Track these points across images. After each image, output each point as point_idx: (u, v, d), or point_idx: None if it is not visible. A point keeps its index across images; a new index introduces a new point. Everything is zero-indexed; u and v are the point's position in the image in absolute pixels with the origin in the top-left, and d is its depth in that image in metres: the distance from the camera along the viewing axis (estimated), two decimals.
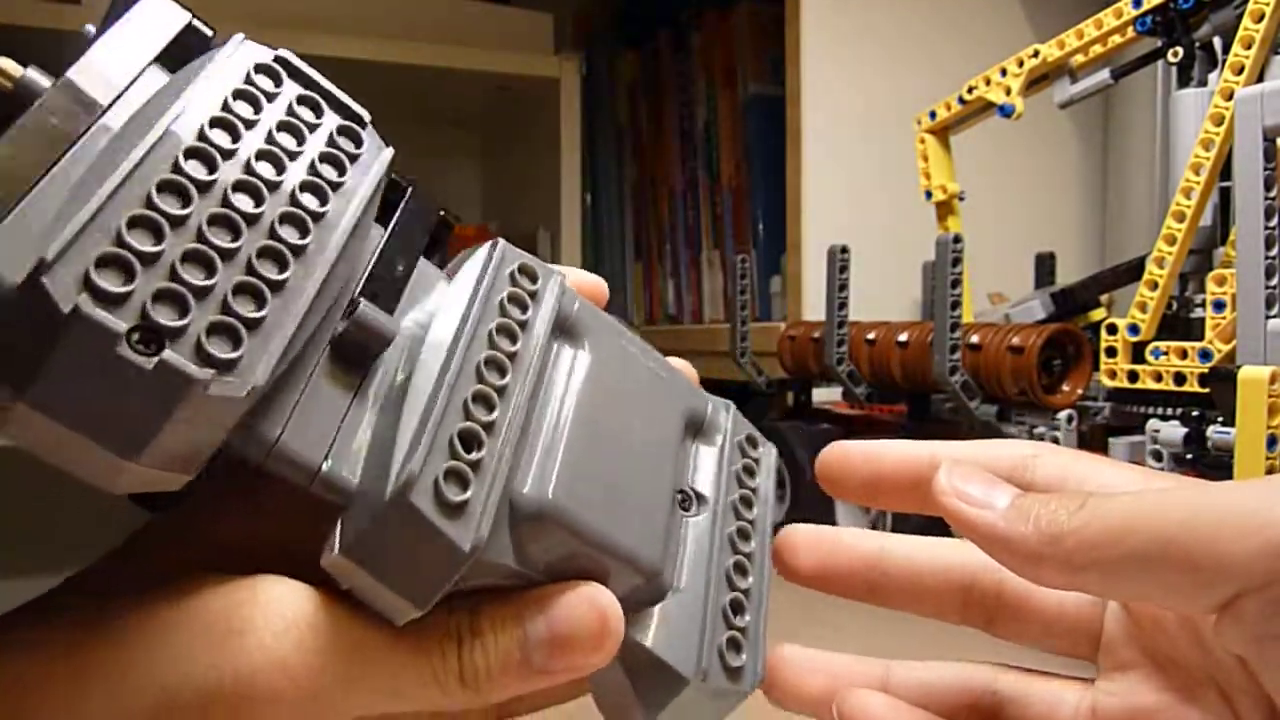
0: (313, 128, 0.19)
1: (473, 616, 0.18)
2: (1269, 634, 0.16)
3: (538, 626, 0.18)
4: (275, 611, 0.17)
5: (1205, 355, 0.54)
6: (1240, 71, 0.54)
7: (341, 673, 0.17)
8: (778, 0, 0.95)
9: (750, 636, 0.20)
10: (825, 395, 0.82)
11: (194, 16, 0.19)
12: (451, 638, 0.18)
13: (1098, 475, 0.20)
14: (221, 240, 0.15)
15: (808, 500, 0.73)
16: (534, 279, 0.20)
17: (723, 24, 1.12)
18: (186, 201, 0.15)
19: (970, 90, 0.73)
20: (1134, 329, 0.58)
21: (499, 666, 0.18)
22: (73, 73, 0.16)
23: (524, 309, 0.19)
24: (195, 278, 0.15)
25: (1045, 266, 0.85)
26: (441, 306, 0.19)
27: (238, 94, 0.18)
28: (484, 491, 0.16)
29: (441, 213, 0.21)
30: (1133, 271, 0.69)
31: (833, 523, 0.70)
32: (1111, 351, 0.59)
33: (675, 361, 0.23)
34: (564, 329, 0.20)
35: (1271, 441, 0.45)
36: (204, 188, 0.16)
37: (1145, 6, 0.62)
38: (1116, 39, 0.65)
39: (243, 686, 0.16)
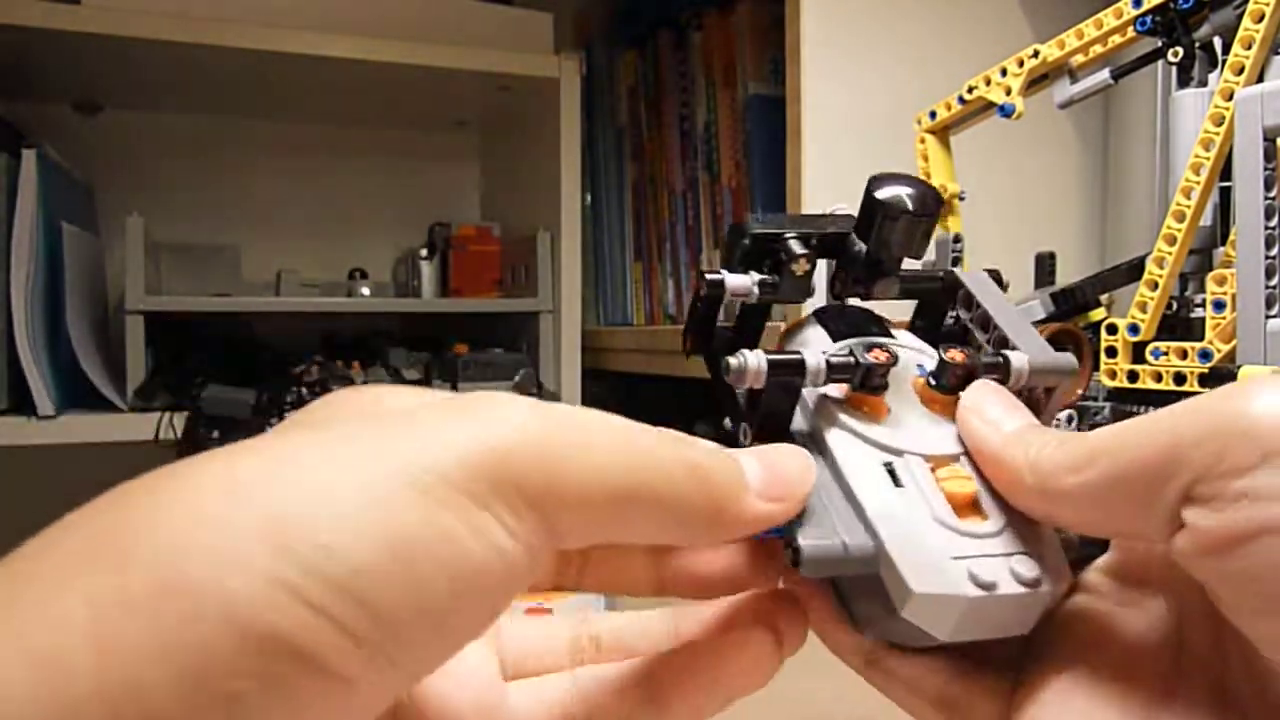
0: None
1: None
2: (1215, 530, 0.17)
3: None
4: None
5: (1205, 355, 0.54)
6: (1240, 71, 0.54)
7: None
8: (778, 0, 0.95)
9: None
10: None
11: None
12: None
13: None
14: None
15: None
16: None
17: (723, 24, 1.12)
18: None
19: (970, 90, 0.73)
20: (1134, 329, 0.58)
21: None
22: None
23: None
24: None
25: (1045, 266, 0.85)
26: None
27: None
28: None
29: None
30: (1133, 271, 0.69)
31: None
32: (1111, 351, 0.59)
33: None
34: None
35: None
36: None
37: (1145, 6, 0.62)
38: (1116, 39, 0.65)
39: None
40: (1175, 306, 0.62)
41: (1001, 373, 0.23)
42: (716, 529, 0.20)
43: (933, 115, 0.78)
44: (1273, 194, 0.48)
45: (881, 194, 0.24)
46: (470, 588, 0.16)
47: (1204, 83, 0.62)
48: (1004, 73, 0.70)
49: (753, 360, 0.23)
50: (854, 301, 0.27)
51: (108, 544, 0.14)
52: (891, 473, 0.22)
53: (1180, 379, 0.55)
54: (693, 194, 1.19)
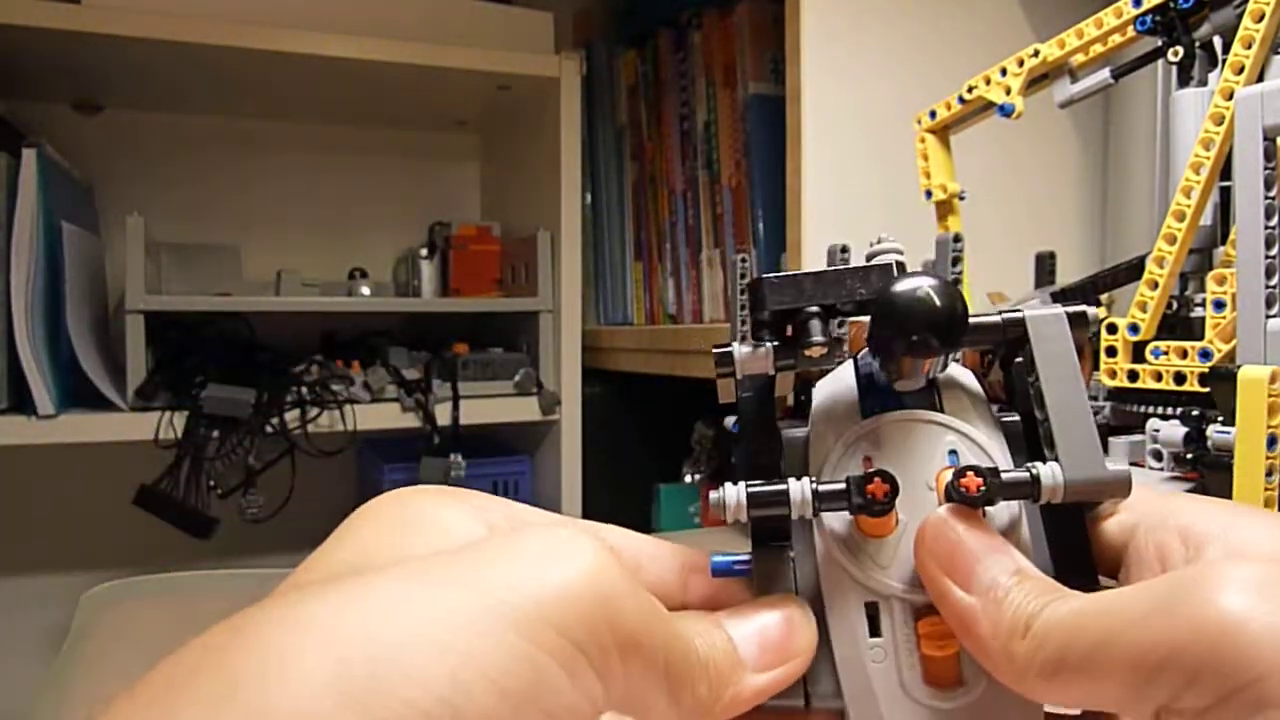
0: None
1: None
2: None
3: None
4: None
5: (1205, 355, 0.54)
6: (1240, 71, 0.54)
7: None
8: (778, 0, 0.95)
9: None
10: None
11: None
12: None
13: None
14: None
15: None
16: None
17: (723, 24, 1.12)
18: None
19: (970, 90, 0.73)
20: (1134, 328, 0.58)
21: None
22: None
23: None
24: None
25: (1045, 266, 0.85)
26: None
27: None
28: None
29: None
30: (1133, 271, 0.69)
31: None
32: (1111, 351, 0.59)
33: None
34: None
35: (1271, 441, 0.45)
36: None
37: (1145, 6, 0.62)
38: (1116, 38, 0.65)
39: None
40: (1175, 306, 0.62)
41: (1030, 494, 0.21)
42: (718, 710, 0.19)
43: (933, 115, 0.78)
44: (1273, 194, 0.48)
45: (891, 302, 0.21)
46: None
47: (1204, 82, 0.62)
48: (1004, 72, 0.70)
49: (731, 495, 0.21)
50: None
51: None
52: (873, 617, 0.21)
53: (1180, 378, 0.55)
54: (693, 194, 1.19)
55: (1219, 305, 0.54)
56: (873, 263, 0.23)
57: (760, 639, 0.20)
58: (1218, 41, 0.61)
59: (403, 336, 1.21)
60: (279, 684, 0.14)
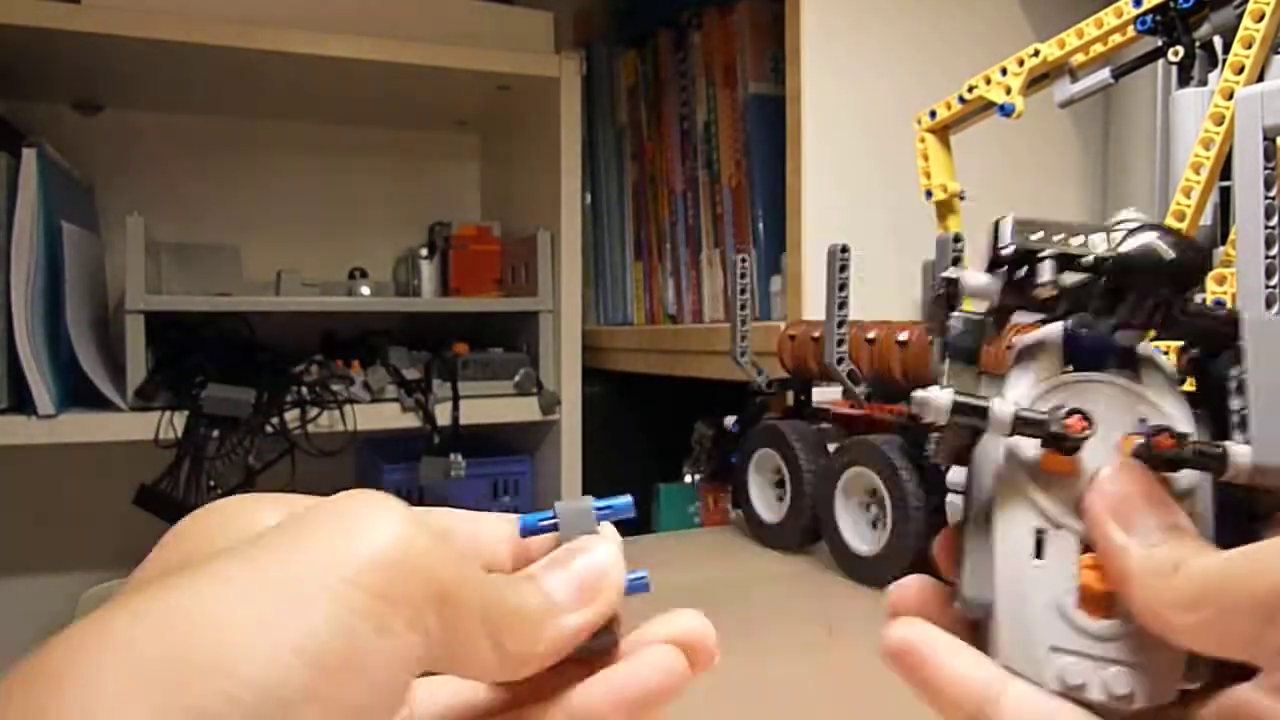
0: None
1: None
2: None
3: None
4: None
5: None
6: (1240, 71, 0.54)
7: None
8: (778, 0, 0.95)
9: None
10: (825, 395, 0.82)
11: None
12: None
13: None
14: None
15: (807, 499, 0.73)
16: None
17: (723, 24, 1.12)
18: None
19: (970, 89, 0.73)
20: None
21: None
22: None
23: None
24: None
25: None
26: None
27: None
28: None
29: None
30: None
31: (833, 523, 0.70)
32: None
33: None
34: None
35: None
36: None
37: (1145, 6, 0.62)
38: (1116, 38, 0.65)
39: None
40: None
41: (1216, 466, 0.22)
42: (542, 652, 0.20)
43: (933, 114, 0.78)
44: (1273, 194, 0.48)
45: (1132, 248, 0.22)
46: (385, 681, 0.17)
47: (1204, 82, 0.62)
48: (1004, 72, 0.70)
49: (936, 398, 0.22)
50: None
51: None
52: (1040, 541, 0.22)
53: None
54: (693, 194, 1.19)
55: (1219, 305, 0.54)
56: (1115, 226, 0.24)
57: (570, 582, 0.21)
58: (1218, 41, 0.61)
59: (403, 336, 1.21)
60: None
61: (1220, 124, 0.54)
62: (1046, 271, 0.23)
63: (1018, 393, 0.24)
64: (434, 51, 1.07)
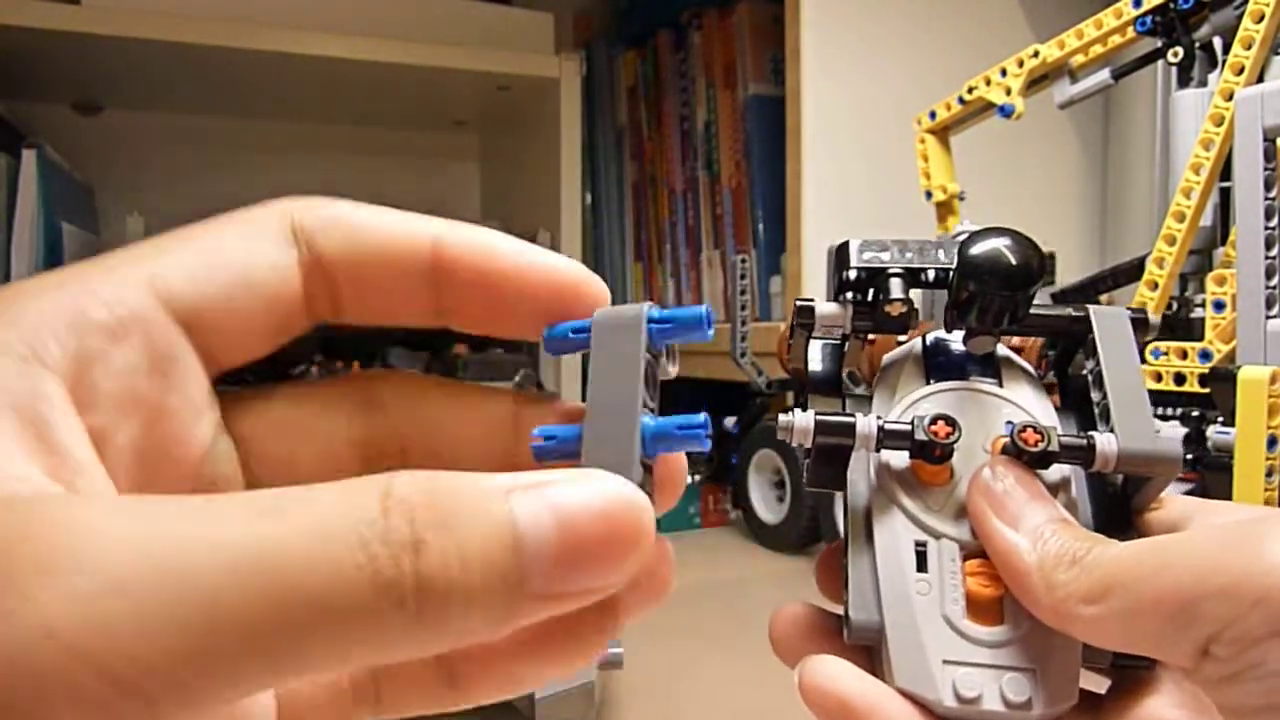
0: None
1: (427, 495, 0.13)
2: (1228, 675, 0.17)
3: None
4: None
5: (1205, 355, 0.54)
6: (1240, 72, 0.54)
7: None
8: (778, 0, 0.95)
9: None
10: None
11: None
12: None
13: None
14: None
15: (807, 499, 0.73)
16: None
17: (723, 24, 1.12)
18: None
19: (970, 90, 0.73)
20: None
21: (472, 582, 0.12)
22: None
23: None
24: None
25: (1045, 267, 0.85)
26: None
27: None
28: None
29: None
30: (1133, 271, 0.69)
31: (830, 520, 0.70)
32: None
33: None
34: None
35: (1272, 442, 0.45)
36: None
37: (1145, 7, 0.62)
38: (1116, 39, 0.65)
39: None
40: (1175, 306, 0.62)
41: (1083, 458, 0.21)
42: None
43: (933, 115, 0.78)
44: (1273, 194, 0.48)
45: (971, 253, 0.22)
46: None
47: (1204, 83, 0.62)
48: (1004, 73, 0.70)
49: (800, 420, 0.22)
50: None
51: None
52: (921, 554, 0.22)
53: (1180, 379, 0.55)
54: (693, 194, 1.19)
55: (1219, 306, 0.54)
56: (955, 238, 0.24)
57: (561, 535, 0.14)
58: (1218, 42, 0.61)
59: (403, 337, 1.21)
60: None
61: (1220, 125, 0.54)
62: (896, 289, 0.23)
63: (883, 408, 0.24)
64: (434, 52, 1.07)
